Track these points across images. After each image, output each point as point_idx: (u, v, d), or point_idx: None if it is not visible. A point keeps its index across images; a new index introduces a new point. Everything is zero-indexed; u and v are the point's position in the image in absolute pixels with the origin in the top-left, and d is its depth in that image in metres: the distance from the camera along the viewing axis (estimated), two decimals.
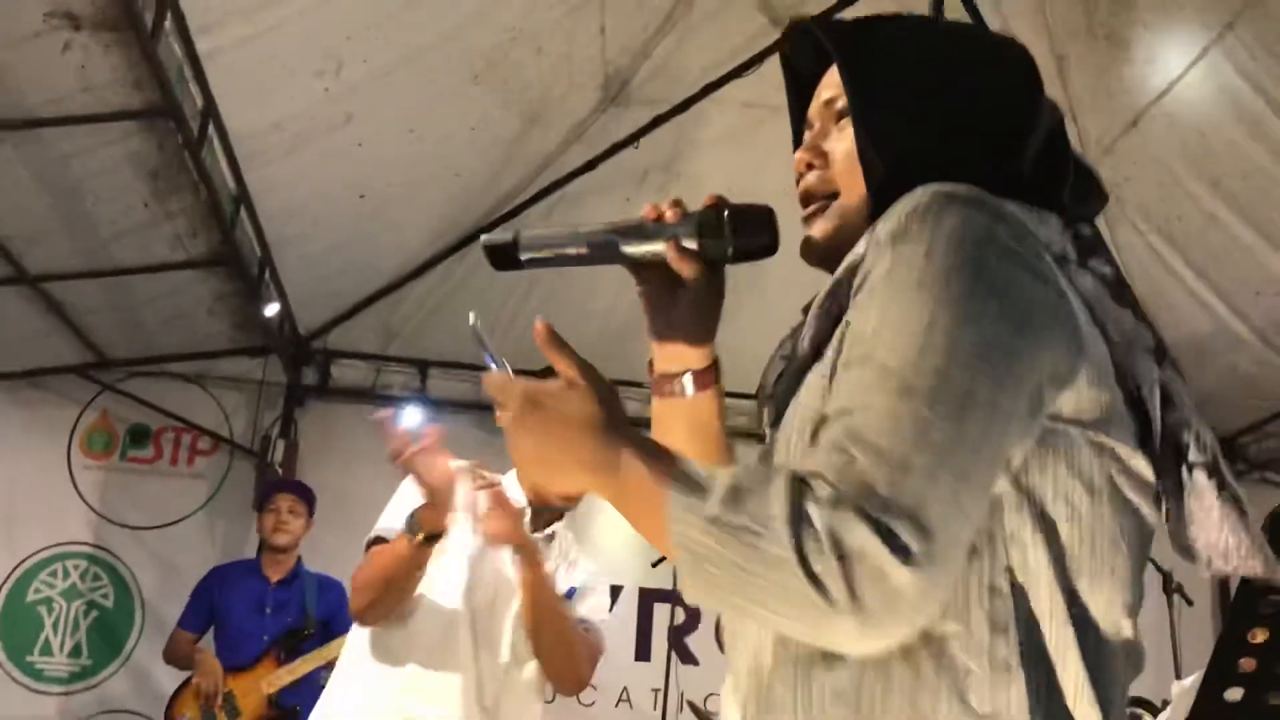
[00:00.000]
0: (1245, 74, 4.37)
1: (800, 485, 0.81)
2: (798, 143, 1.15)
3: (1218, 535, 0.97)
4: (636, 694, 5.75)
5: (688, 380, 1.15)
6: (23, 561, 5.62)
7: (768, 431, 1.07)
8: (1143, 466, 0.94)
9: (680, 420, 1.17)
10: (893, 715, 0.85)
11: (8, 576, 5.60)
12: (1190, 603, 4.55)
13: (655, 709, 5.57)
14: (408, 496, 2.35)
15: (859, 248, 0.96)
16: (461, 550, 2.37)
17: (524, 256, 1.11)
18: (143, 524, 5.74)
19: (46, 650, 5.57)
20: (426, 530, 2.21)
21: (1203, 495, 0.96)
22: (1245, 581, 1.27)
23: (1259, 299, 5.19)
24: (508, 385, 0.98)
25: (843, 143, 1.07)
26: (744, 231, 1.08)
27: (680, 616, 5.64)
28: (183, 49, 3.47)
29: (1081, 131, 4.77)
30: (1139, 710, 3.51)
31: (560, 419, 0.94)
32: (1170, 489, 0.98)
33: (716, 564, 0.83)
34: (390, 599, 2.29)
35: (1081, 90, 4.72)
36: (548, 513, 2.41)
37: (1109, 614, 0.91)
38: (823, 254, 1.08)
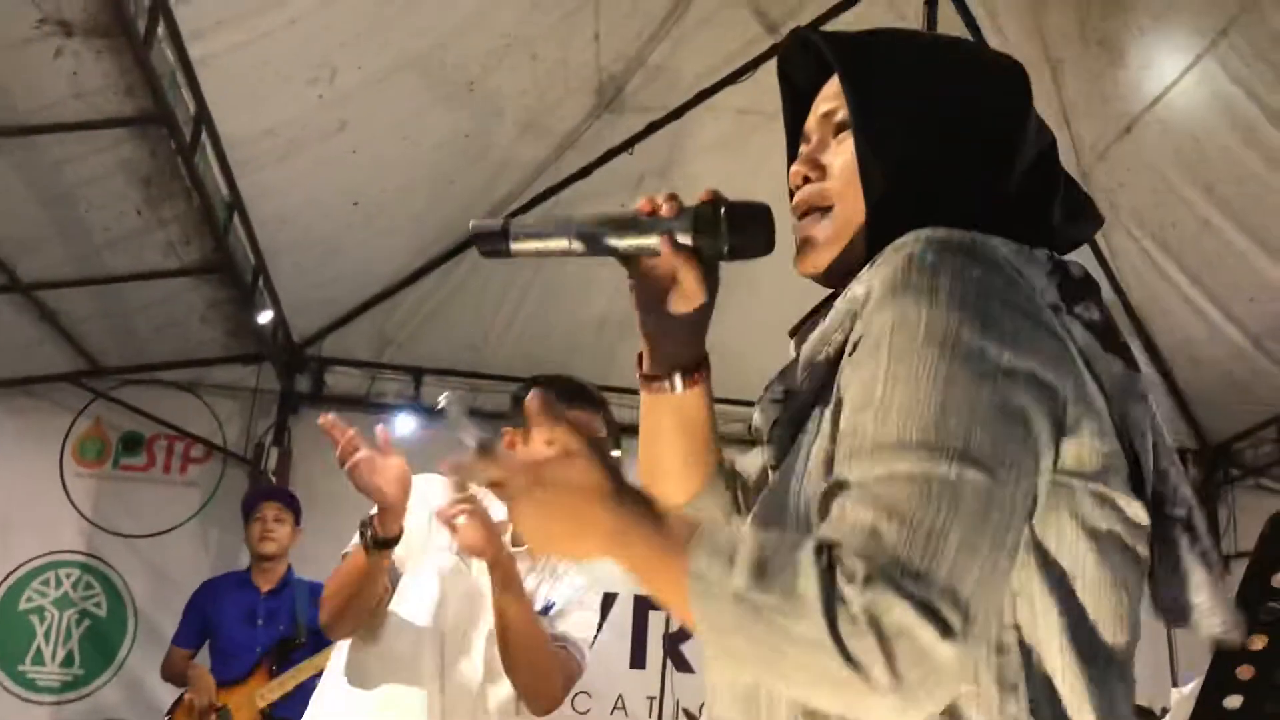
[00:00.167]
0: (1239, 80, 4.38)
1: (829, 560, 0.79)
2: (793, 155, 1.14)
3: (1181, 590, 0.96)
4: (632, 701, 5.73)
5: (677, 378, 1.14)
6: (14, 570, 5.60)
7: (770, 473, 1.06)
8: (1140, 514, 0.93)
9: (668, 416, 1.16)
10: None
11: None
12: None
13: (650, 717, 5.55)
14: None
15: (855, 289, 0.94)
16: (434, 566, 2.32)
17: (512, 246, 1.08)
18: (135, 532, 5.72)
19: (38, 659, 5.54)
20: (376, 536, 2.14)
21: (1176, 547, 0.95)
22: (1243, 589, 1.27)
23: (1253, 305, 5.20)
24: (507, 462, 0.95)
25: (841, 156, 1.06)
26: (740, 229, 1.05)
27: (675, 624, 5.62)
28: (175, 55, 3.46)
29: (1076, 137, 4.78)
30: None
31: (568, 490, 0.91)
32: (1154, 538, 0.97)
33: (744, 639, 0.81)
34: (353, 611, 2.24)
35: (1076, 96, 4.72)
36: None
37: (1116, 658, 0.91)
38: (819, 269, 1.07)
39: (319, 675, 4.22)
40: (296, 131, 4.16)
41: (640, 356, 1.16)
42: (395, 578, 2.32)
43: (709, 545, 0.85)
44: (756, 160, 4.23)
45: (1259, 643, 1.22)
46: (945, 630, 0.76)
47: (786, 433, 1.02)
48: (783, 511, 0.96)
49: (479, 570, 2.28)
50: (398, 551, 2.23)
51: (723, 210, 1.05)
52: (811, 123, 1.11)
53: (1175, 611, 0.97)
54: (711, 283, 1.09)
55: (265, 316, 5.14)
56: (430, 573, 2.32)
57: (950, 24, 4.23)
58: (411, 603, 2.31)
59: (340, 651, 2.38)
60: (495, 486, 0.94)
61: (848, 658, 0.76)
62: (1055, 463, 0.87)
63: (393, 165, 4.65)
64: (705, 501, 1.18)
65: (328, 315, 5.71)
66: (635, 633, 5.82)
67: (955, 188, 0.99)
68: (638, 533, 0.89)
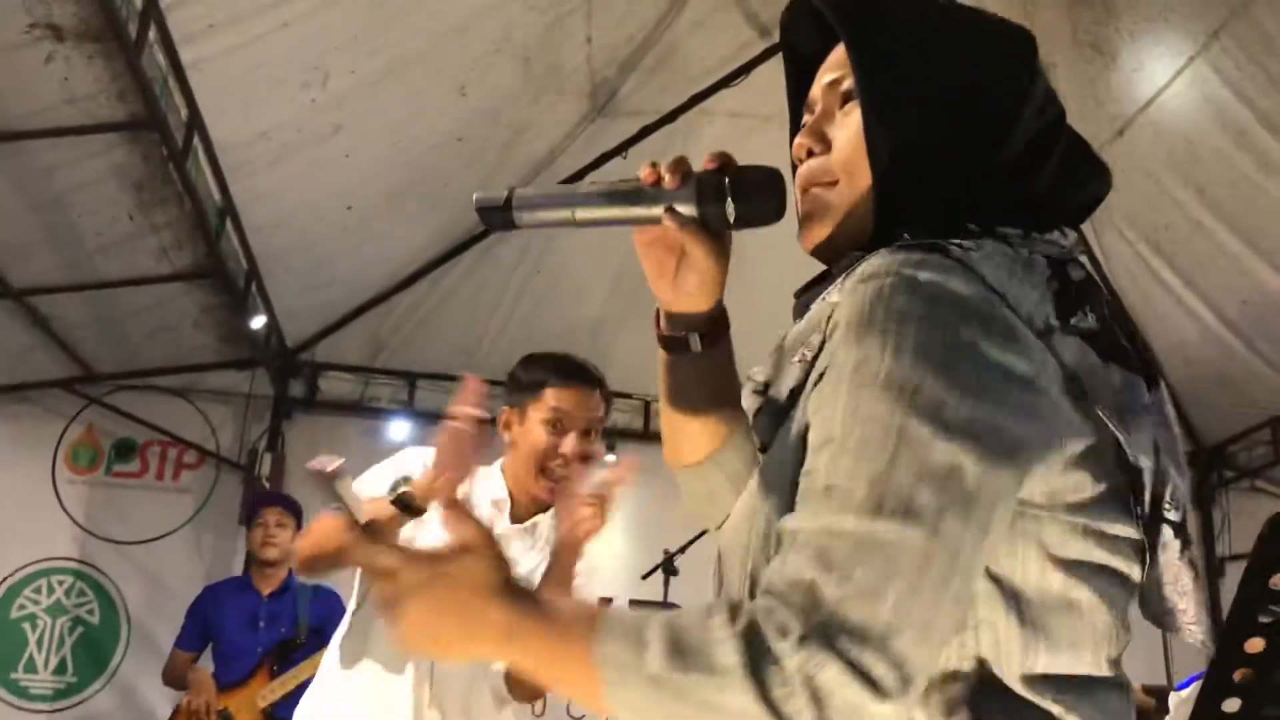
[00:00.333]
0: (1230, 83, 4.39)
1: (756, 624, 0.78)
2: (796, 127, 1.09)
3: (1169, 593, 0.95)
4: None
5: (695, 340, 1.10)
6: (7, 578, 5.57)
7: (759, 456, 1.04)
8: (1129, 532, 0.91)
9: (689, 374, 1.13)
10: None
11: None
12: None
13: None
14: (377, 475, 2.29)
15: (832, 296, 0.93)
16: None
17: (517, 217, 1.04)
18: (128, 539, 5.70)
19: (31, 667, 5.52)
20: (412, 500, 2.04)
21: (1167, 550, 0.94)
22: (1241, 592, 1.26)
23: (1246, 307, 5.21)
24: (390, 552, 0.89)
25: (847, 128, 1.02)
26: (746, 197, 1.00)
27: None
28: (167, 60, 3.45)
29: None
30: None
31: (460, 587, 0.87)
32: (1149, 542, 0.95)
33: None
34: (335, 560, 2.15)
35: (1068, 99, 4.65)
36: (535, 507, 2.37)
37: (1095, 672, 0.90)
38: (822, 247, 1.04)
39: None
40: (289, 136, 4.16)
41: (658, 315, 1.12)
42: None
43: (616, 630, 0.82)
44: (750, 163, 4.22)
45: (1257, 645, 1.22)
46: (878, 690, 0.75)
47: (769, 426, 1.00)
48: (748, 530, 0.96)
49: None
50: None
51: (727, 179, 1.00)
52: (816, 91, 1.07)
53: (1164, 618, 0.97)
54: (720, 250, 1.04)
55: (258, 322, 5.13)
56: None
57: None
58: None
59: (331, 651, 2.38)
60: (383, 576, 0.88)
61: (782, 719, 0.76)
62: (1017, 504, 0.86)
63: (386, 169, 4.64)
64: (727, 456, 1.15)
65: (321, 320, 5.70)
66: None
67: (959, 162, 0.96)
68: (535, 628, 0.85)
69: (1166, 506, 0.93)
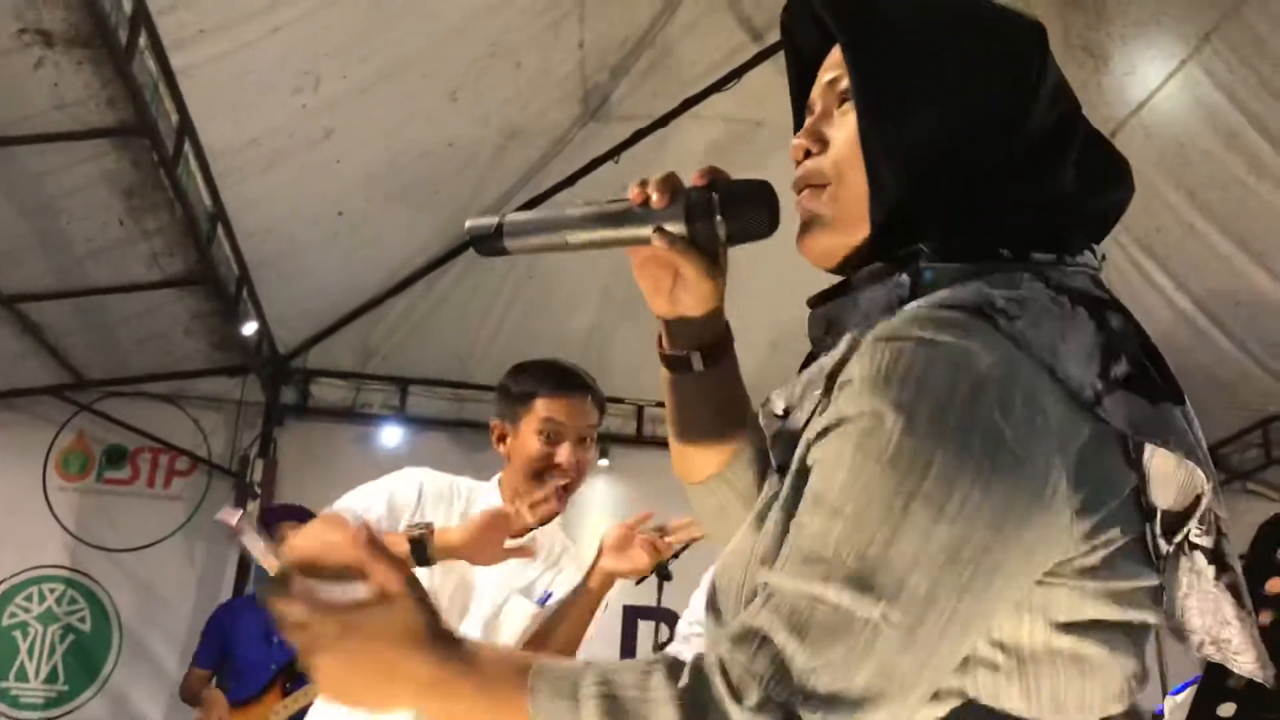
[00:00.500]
0: (1222, 86, 4.40)
1: (698, 684, 0.76)
2: (799, 128, 1.06)
3: (1212, 621, 0.91)
4: None
5: (696, 357, 1.08)
6: None
7: (774, 476, 1.00)
8: (1147, 581, 0.87)
9: (693, 391, 1.10)
10: None
11: None
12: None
13: None
14: (369, 493, 2.28)
15: (842, 346, 0.91)
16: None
17: (508, 244, 1.04)
18: (119, 546, 5.68)
19: (22, 676, 5.49)
20: (430, 551, 2.10)
21: (1201, 577, 0.90)
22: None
23: (1238, 309, 5.22)
24: (307, 599, 0.83)
25: (844, 128, 0.98)
26: (736, 213, 0.98)
27: (665, 633, 5.60)
28: (157, 65, 3.44)
29: None
30: None
31: (379, 639, 0.82)
32: (1172, 564, 0.90)
33: None
34: None
35: None
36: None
37: (1104, 709, 0.87)
38: (819, 254, 1.01)
39: None
40: (280, 141, 4.14)
41: (660, 336, 1.10)
42: None
43: (549, 685, 0.80)
44: (743, 168, 4.19)
45: None
46: None
47: (785, 450, 0.96)
48: (742, 570, 0.93)
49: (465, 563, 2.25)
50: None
51: (715, 195, 0.99)
52: (816, 91, 1.04)
53: (1205, 644, 0.92)
54: (714, 266, 1.02)
55: (250, 328, 5.11)
56: (420, 572, 2.30)
57: None
58: None
59: None
60: (294, 628, 0.83)
61: None
62: (1026, 581, 0.82)
63: (377, 175, 4.63)
64: (736, 471, 1.12)
65: (312, 326, 5.69)
66: (625, 643, 5.80)
67: (960, 161, 0.93)
68: (462, 681, 0.81)
69: (1196, 533, 0.89)
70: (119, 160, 3.78)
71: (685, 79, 4.79)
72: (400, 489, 2.27)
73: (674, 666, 0.78)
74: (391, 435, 5.95)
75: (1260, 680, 0.92)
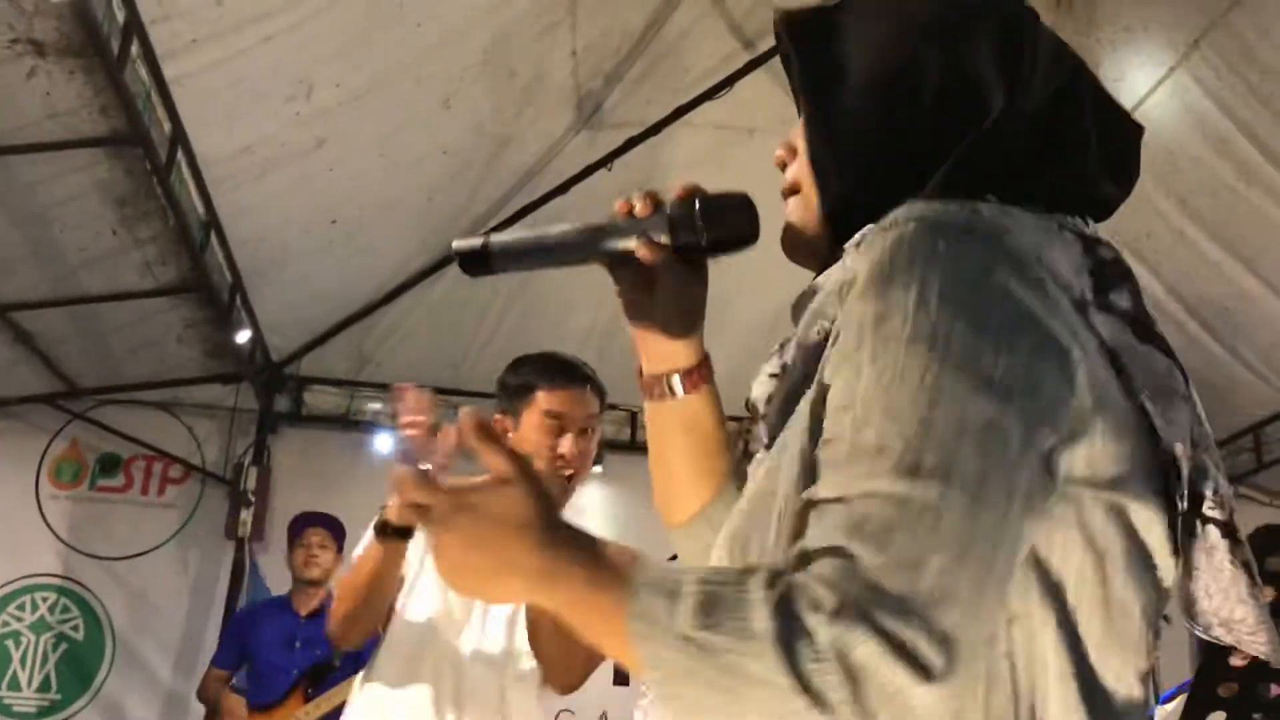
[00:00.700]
0: (1211, 93, 4.42)
1: (789, 592, 0.72)
2: None
3: (1223, 601, 0.88)
4: (616, 718, 5.70)
5: (676, 380, 1.09)
6: None
7: (761, 451, 0.99)
8: (1162, 524, 0.84)
9: (674, 422, 1.11)
10: None
11: None
12: (1168, 620, 4.56)
13: None
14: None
15: (847, 259, 0.88)
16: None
17: (495, 263, 1.06)
18: (113, 554, 5.66)
19: (15, 685, 5.47)
20: (393, 525, 2.08)
21: (1214, 554, 0.87)
22: None
23: (1228, 314, 5.24)
24: (426, 484, 0.85)
25: (803, 138, 1.01)
26: (717, 222, 1.02)
27: None
28: (150, 74, 3.44)
29: None
30: None
31: (493, 521, 0.83)
32: (1184, 541, 0.87)
33: (696, 683, 0.74)
34: (369, 612, 2.20)
35: None
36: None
37: (1120, 683, 0.83)
38: (798, 258, 1.03)
39: None
40: (273, 149, 4.15)
41: (639, 366, 1.12)
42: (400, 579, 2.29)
43: (649, 583, 0.77)
44: (736, 175, 4.19)
45: (1242, 659, 1.22)
46: (923, 671, 0.68)
47: (780, 411, 0.94)
48: (768, 514, 0.88)
49: None
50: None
51: (698, 206, 1.02)
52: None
53: (1213, 625, 0.89)
54: (696, 277, 1.05)
55: (243, 336, 5.11)
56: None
57: None
58: (419, 594, 2.28)
59: (367, 670, 2.34)
60: (418, 511, 0.85)
61: (812, 696, 0.69)
62: (1060, 473, 0.79)
63: (371, 182, 4.63)
64: (719, 509, 1.10)
65: (306, 334, 5.68)
66: None
67: (925, 160, 0.90)
68: (567, 573, 0.81)
69: (1210, 505, 0.86)
70: (112, 169, 3.78)
71: (678, 86, 4.80)
72: None
73: (773, 573, 0.75)
74: (385, 442, 5.94)
75: (1272, 659, 0.89)
